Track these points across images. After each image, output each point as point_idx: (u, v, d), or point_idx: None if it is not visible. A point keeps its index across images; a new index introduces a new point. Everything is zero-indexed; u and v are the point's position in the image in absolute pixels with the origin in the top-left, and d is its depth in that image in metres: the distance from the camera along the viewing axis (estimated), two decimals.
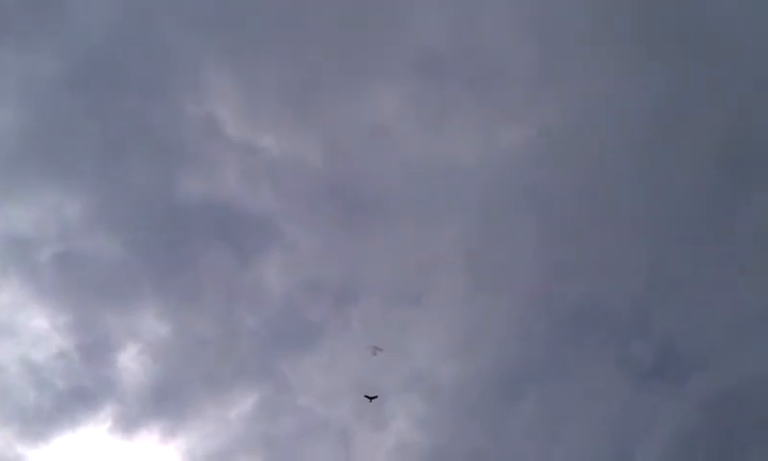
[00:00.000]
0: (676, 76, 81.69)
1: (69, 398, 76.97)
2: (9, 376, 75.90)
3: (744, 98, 79.48)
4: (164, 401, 79.65)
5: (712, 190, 79.92)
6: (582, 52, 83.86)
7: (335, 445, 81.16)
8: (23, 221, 79.77)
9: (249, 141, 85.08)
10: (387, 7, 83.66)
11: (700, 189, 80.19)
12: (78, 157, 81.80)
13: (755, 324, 74.92)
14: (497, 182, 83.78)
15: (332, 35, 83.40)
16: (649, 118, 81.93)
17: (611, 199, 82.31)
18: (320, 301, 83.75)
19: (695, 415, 76.03)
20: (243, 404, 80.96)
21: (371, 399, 72.72)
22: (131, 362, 79.72)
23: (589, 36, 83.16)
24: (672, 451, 75.53)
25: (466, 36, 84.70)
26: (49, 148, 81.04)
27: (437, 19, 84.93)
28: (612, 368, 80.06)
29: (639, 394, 79.03)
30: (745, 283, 76.48)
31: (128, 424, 78.10)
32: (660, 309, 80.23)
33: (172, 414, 79.54)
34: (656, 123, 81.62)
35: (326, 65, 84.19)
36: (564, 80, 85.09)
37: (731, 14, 79.33)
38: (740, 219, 78.72)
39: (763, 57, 79.39)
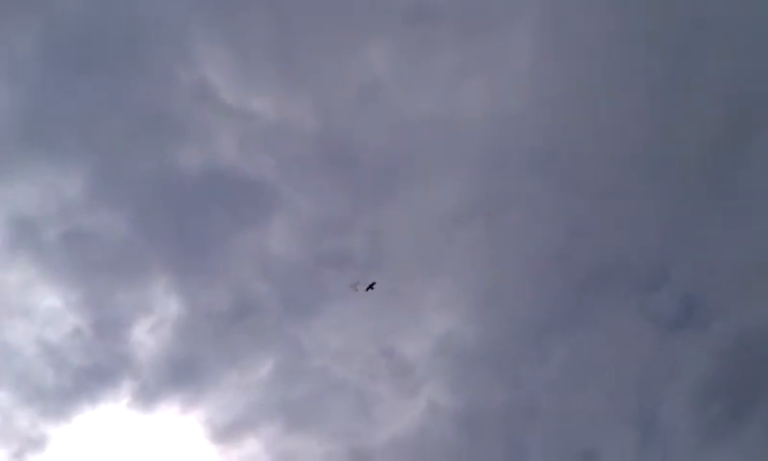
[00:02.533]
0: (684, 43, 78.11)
1: (87, 375, 77.88)
2: (26, 357, 76.75)
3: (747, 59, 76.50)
4: (181, 374, 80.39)
5: (718, 142, 78.16)
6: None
7: (354, 405, 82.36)
8: (25, 201, 78.76)
9: (243, 106, 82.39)
10: None
11: (706, 143, 78.27)
12: (71, 134, 79.89)
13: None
14: (504, 139, 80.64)
15: None
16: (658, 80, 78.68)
17: (621, 154, 79.59)
18: (328, 265, 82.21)
19: (717, 361, 76.46)
20: (259, 371, 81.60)
21: (370, 287, 71.32)
22: (145, 337, 79.96)
23: None
24: (696, 397, 76.28)
25: None
26: (42, 126, 78.82)
27: None
28: (634, 319, 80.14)
29: (662, 343, 79.48)
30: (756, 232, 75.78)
31: (146, 398, 79.09)
32: (678, 261, 79.72)
33: (190, 386, 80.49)
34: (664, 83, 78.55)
35: (316, 24, 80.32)
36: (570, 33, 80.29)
37: None
38: (744, 170, 77.46)
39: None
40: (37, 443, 75.04)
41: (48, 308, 78.68)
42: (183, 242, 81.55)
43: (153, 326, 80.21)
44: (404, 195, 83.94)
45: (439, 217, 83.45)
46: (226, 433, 79.25)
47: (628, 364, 79.48)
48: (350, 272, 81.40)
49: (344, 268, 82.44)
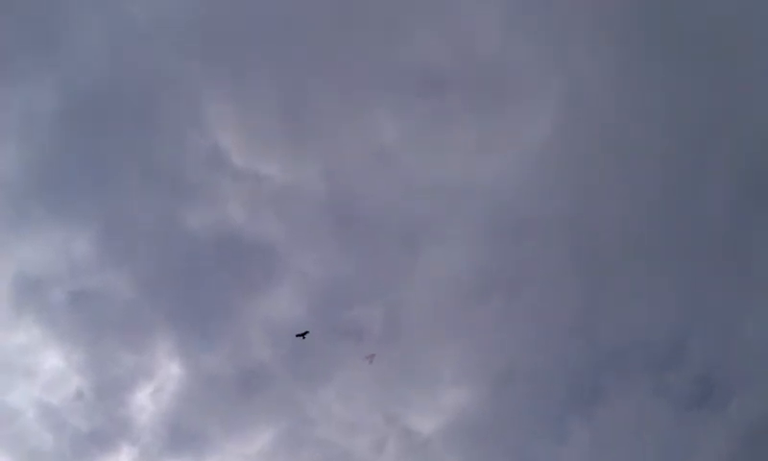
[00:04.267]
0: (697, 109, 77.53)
1: (87, 440, 76.16)
2: (26, 419, 75.58)
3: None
4: (182, 440, 78.41)
5: (738, 221, 76.79)
6: (593, 67, 78.73)
7: None
8: (32, 260, 78.75)
9: (253, 170, 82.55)
10: (386, 27, 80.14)
11: (724, 221, 77.05)
12: (82, 193, 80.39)
13: None
14: (517, 210, 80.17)
15: (331, 57, 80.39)
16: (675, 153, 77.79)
17: (635, 228, 78.56)
18: (335, 330, 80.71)
19: (735, 442, 73.76)
20: (262, 439, 79.50)
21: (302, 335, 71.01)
22: (146, 401, 78.86)
23: (602, 50, 78.17)
24: None
25: (468, 54, 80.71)
26: (53, 184, 79.65)
27: (437, 38, 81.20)
28: (651, 398, 78.37)
29: (679, 423, 77.05)
30: None
31: None
32: (696, 339, 77.59)
33: (191, 452, 78.33)
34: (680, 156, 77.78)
35: (326, 89, 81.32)
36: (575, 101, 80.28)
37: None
38: (762, 246, 75.98)
39: None
40: None
41: (51, 369, 78.09)
42: (189, 305, 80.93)
43: (154, 390, 79.40)
44: (415, 263, 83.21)
45: (451, 287, 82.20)
46: None
47: (645, 444, 76.99)
48: (360, 341, 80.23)
49: (353, 336, 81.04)
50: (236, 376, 79.83)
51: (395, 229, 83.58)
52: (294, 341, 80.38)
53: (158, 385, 79.42)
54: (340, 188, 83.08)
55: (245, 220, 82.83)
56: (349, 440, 79.63)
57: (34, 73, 78.52)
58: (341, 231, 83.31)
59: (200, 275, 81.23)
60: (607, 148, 79.91)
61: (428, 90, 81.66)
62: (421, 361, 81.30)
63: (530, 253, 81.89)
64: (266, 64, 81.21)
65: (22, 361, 77.57)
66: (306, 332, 71.62)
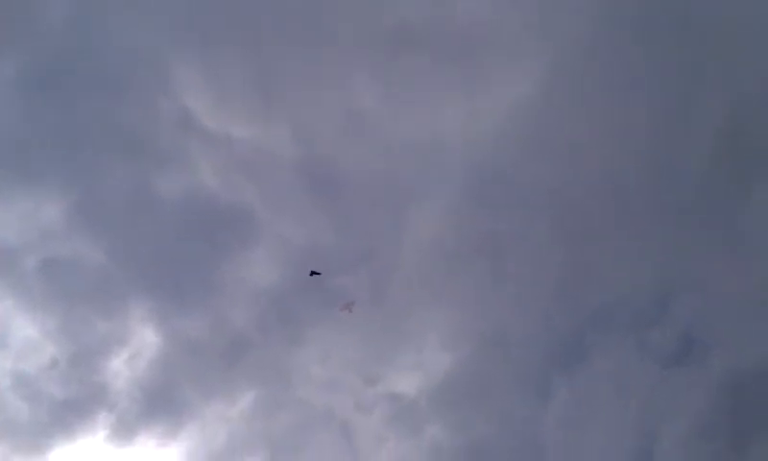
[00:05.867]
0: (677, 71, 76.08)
1: (64, 408, 75.67)
2: (0, 389, 75.22)
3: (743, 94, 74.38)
4: (160, 405, 78.06)
5: (716, 182, 75.90)
6: (579, 29, 76.33)
7: (339, 436, 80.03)
8: (2, 229, 77.26)
9: (225, 133, 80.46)
10: None
11: (705, 181, 76.02)
12: (51, 160, 78.09)
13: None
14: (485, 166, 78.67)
15: (303, 16, 77.52)
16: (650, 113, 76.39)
17: (617, 190, 77.47)
18: (311, 293, 79.43)
19: (715, 397, 74.43)
20: (241, 402, 79.58)
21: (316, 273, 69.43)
22: (123, 367, 78.13)
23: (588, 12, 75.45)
24: (695, 433, 73.96)
25: (446, 12, 77.91)
26: (20, 152, 77.34)
27: None
28: (633, 356, 78.54)
29: (662, 379, 77.44)
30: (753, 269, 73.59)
31: (125, 430, 76.82)
32: (678, 297, 77.39)
33: (169, 417, 78.03)
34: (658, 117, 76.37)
35: (299, 50, 78.33)
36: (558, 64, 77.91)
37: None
38: (743, 209, 75.21)
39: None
40: None
41: (24, 338, 77.11)
42: (163, 270, 79.43)
43: (130, 356, 78.55)
44: (394, 225, 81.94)
45: (433, 249, 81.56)
46: None
47: (628, 400, 77.70)
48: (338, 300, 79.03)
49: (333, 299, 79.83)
50: (214, 340, 79.01)
51: (372, 190, 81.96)
52: (273, 302, 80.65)
53: (134, 351, 78.77)
54: (315, 150, 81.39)
55: (218, 184, 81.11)
56: (331, 399, 79.87)
57: None
58: (317, 194, 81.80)
59: (173, 240, 79.53)
60: (589, 112, 78.03)
61: (405, 49, 79.18)
62: (404, 324, 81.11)
63: (513, 216, 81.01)
64: (235, 26, 78.34)
65: None
66: (319, 273, 69.36)
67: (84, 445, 76.05)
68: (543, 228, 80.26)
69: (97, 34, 78.04)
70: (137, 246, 78.90)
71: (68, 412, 75.70)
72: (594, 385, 78.14)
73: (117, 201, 78.62)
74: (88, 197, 78.61)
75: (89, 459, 75.89)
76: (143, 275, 79.05)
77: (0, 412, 74.38)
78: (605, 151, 76.57)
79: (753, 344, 72.98)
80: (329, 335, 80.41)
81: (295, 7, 78.13)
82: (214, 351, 78.64)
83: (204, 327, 78.82)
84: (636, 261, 78.56)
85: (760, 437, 71.29)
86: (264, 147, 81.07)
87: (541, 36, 79.71)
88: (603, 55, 78.22)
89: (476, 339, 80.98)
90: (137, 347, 78.83)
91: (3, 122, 77.40)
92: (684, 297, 77.94)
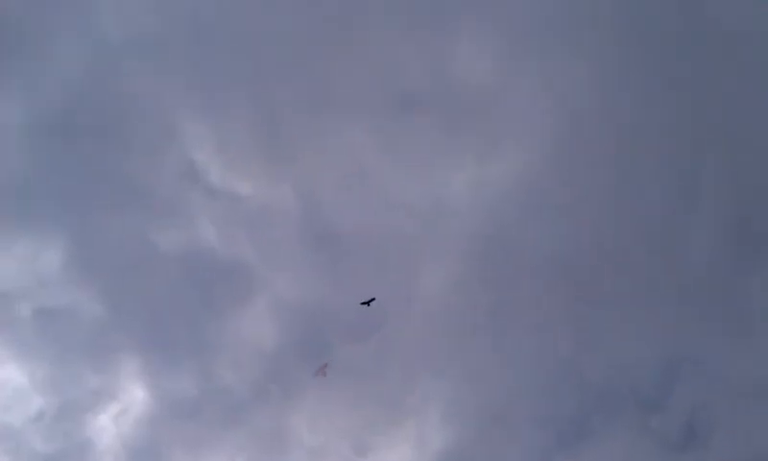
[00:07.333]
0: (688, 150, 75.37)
1: None
2: None
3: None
4: None
5: (724, 267, 75.02)
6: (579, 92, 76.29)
7: None
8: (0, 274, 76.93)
9: (228, 190, 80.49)
10: (363, 47, 78.18)
11: (712, 262, 74.99)
12: (53, 207, 78.27)
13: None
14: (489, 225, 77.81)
15: (308, 76, 78.43)
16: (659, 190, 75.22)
17: (622, 268, 75.76)
18: (305, 355, 77.79)
19: None
20: None
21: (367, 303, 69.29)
22: (109, 424, 76.18)
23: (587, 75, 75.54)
24: None
25: (445, 74, 78.68)
26: (23, 197, 77.33)
27: (415, 59, 79.74)
28: (638, 438, 75.74)
29: None
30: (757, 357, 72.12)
31: None
32: (682, 380, 75.12)
33: None
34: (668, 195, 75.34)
35: (303, 108, 79.16)
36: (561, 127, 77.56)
37: None
38: (750, 295, 74.09)
39: None
40: None
41: (12, 388, 75.64)
42: (157, 326, 78.24)
43: (118, 412, 76.88)
44: (396, 288, 79.92)
45: (433, 317, 79.36)
46: None
47: None
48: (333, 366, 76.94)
49: (326, 360, 77.78)
50: (204, 401, 77.02)
51: (374, 252, 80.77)
52: (266, 364, 78.64)
53: (122, 408, 77.10)
54: (317, 209, 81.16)
55: (218, 239, 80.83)
56: None
57: (7, 84, 77.16)
58: (317, 254, 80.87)
59: (170, 295, 78.73)
60: (597, 185, 77.94)
61: (410, 112, 79.88)
62: (404, 395, 78.97)
63: (517, 287, 79.62)
64: (243, 83, 79.52)
65: None
66: (372, 299, 69.47)
67: None
68: (549, 301, 78.53)
69: (107, 83, 78.94)
70: (133, 300, 78.34)
71: None
72: None
73: (116, 252, 78.17)
74: (88, 246, 78.46)
75: None
76: (137, 330, 78.05)
77: None
78: (612, 226, 75.71)
79: (756, 433, 70.92)
80: (323, 400, 78.36)
81: (301, 68, 79.05)
82: (204, 413, 76.68)
83: (194, 387, 77.17)
84: (641, 338, 76.55)
85: None
86: (266, 204, 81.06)
87: (548, 103, 79.83)
88: (612, 126, 78.00)
89: (479, 415, 78.51)
90: (126, 403, 77.31)
91: (8, 167, 77.65)
92: (688, 378, 75.90)
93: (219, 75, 78.99)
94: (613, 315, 77.16)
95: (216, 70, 78.87)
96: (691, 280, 75.16)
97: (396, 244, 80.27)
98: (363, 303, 70.00)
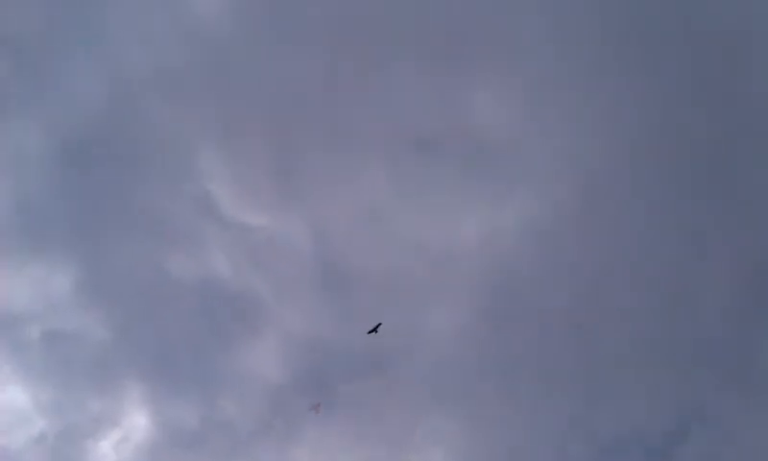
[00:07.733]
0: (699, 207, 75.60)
1: None
2: None
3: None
4: None
5: (738, 323, 74.26)
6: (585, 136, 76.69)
7: None
8: (10, 296, 77.22)
9: (241, 222, 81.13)
10: (381, 89, 79.47)
11: (726, 323, 74.29)
12: (66, 231, 79.45)
13: None
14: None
15: (324, 114, 79.74)
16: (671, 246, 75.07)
17: (633, 321, 74.93)
18: (310, 390, 77.24)
19: None
20: None
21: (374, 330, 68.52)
22: (110, 450, 75.58)
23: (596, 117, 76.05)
24: None
25: (460, 118, 79.48)
26: (38, 222, 78.72)
27: (431, 102, 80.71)
28: None
29: None
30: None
31: None
32: (694, 438, 73.57)
33: None
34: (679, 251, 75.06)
35: (318, 145, 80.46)
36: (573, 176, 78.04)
37: None
38: (763, 351, 73.44)
39: None
40: None
41: (16, 409, 75.61)
42: (164, 354, 78.33)
43: (119, 439, 76.26)
44: (405, 328, 79.64)
45: (443, 358, 78.77)
46: None
47: None
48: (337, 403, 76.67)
49: (328, 395, 77.37)
50: (205, 432, 76.38)
51: (380, 288, 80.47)
52: (271, 398, 78.16)
53: (123, 435, 76.49)
54: (327, 244, 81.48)
55: (230, 271, 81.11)
56: None
57: (24, 111, 78.72)
58: (328, 290, 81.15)
59: (178, 324, 78.84)
60: (609, 239, 77.62)
61: (424, 152, 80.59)
62: (409, 434, 77.92)
63: (528, 338, 78.58)
64: (260, 118, 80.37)
65: None
66: (379, 324, 68.93)
67: None
68: (559, 351, 77.79)
69: (125, 113, 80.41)
70: (142, 327, 78.46)
71: None
72: None
73: (127, 279, 78.94)
74: (99, 271, 79.37)
75: None
76: (143, 357, 78.17)
77: None
78: (623, 281, 75.14)
79: None
80: (326, 436, 77.43)
81: (319, 106, 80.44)
82: (206, 444, 75.98)
83: (197, 418, 76.72)
84: (652, 394, 75.47)
85: None
86: (279, 238, 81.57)
87: (564, 152, 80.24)
88: (627, 178, 78.12)
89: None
90: (127, 430, 76.78)
91: (25, 192, 79.00)
92: (699, 436, 74.08)
93: (237, 109, 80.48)
94: (625, 371, 76.17)
95: (234, 104, 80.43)
96: (704, 336, 74.61)
97: (406, 284, 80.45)
98: (370, 332, 69.45)
